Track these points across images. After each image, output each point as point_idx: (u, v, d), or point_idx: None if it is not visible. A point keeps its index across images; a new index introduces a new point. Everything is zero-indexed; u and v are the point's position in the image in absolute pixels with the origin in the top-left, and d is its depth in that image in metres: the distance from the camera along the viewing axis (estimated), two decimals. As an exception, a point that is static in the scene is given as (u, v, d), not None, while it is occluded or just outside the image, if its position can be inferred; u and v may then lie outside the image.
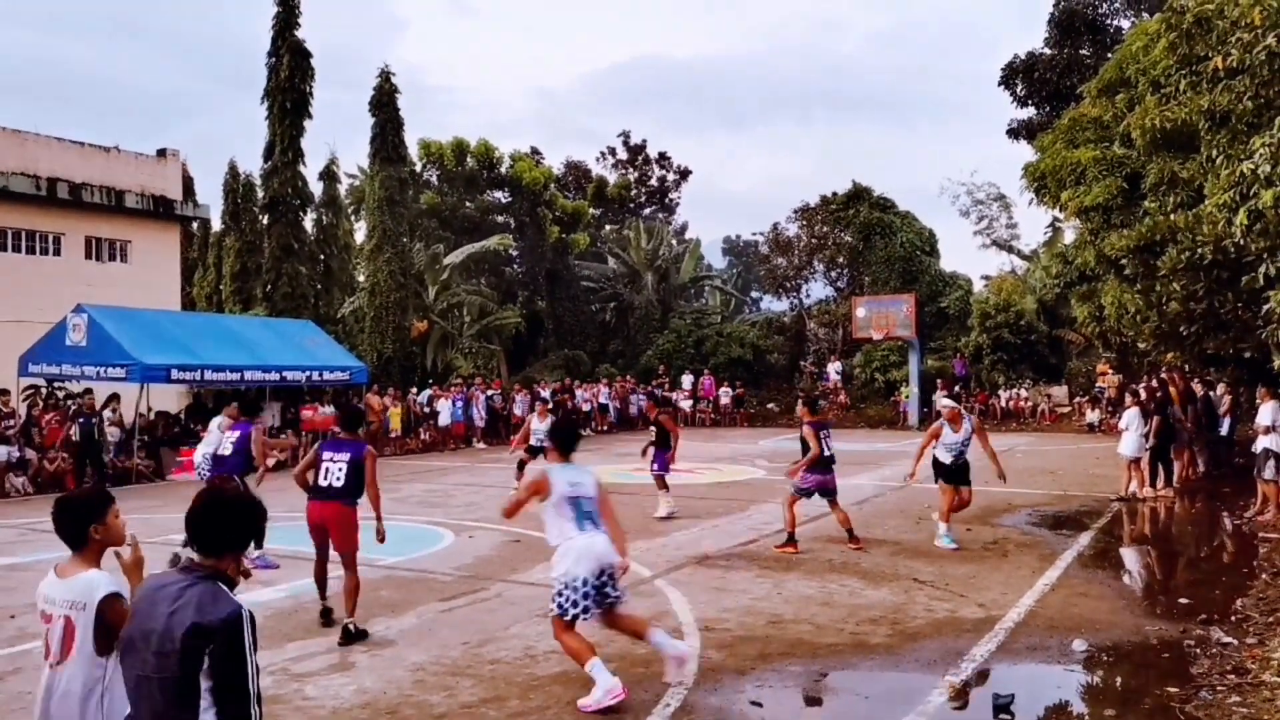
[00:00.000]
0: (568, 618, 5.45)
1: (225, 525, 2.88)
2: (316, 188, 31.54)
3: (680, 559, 9.59)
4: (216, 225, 37.64)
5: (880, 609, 7.53)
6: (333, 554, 7.15)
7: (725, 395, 32.31)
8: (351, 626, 6.82)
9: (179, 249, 27.82)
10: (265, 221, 28.74)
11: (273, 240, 27.51)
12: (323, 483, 7.03)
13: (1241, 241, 9.69)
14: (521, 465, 14.27)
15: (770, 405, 33.45)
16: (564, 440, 5.93)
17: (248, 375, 19.27)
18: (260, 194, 29.53)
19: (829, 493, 10.13)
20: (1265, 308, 9.89)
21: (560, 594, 5.49)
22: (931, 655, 6.36)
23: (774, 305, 44.41)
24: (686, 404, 32.13)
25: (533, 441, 14.83)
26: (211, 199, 40.30)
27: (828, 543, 10.39)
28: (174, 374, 17.96)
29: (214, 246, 37.88)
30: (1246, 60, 9.33)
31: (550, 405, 16.31)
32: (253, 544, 3.10)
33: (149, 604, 2.80)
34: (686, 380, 32.94)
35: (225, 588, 2.78)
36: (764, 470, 18.14)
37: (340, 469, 7.00)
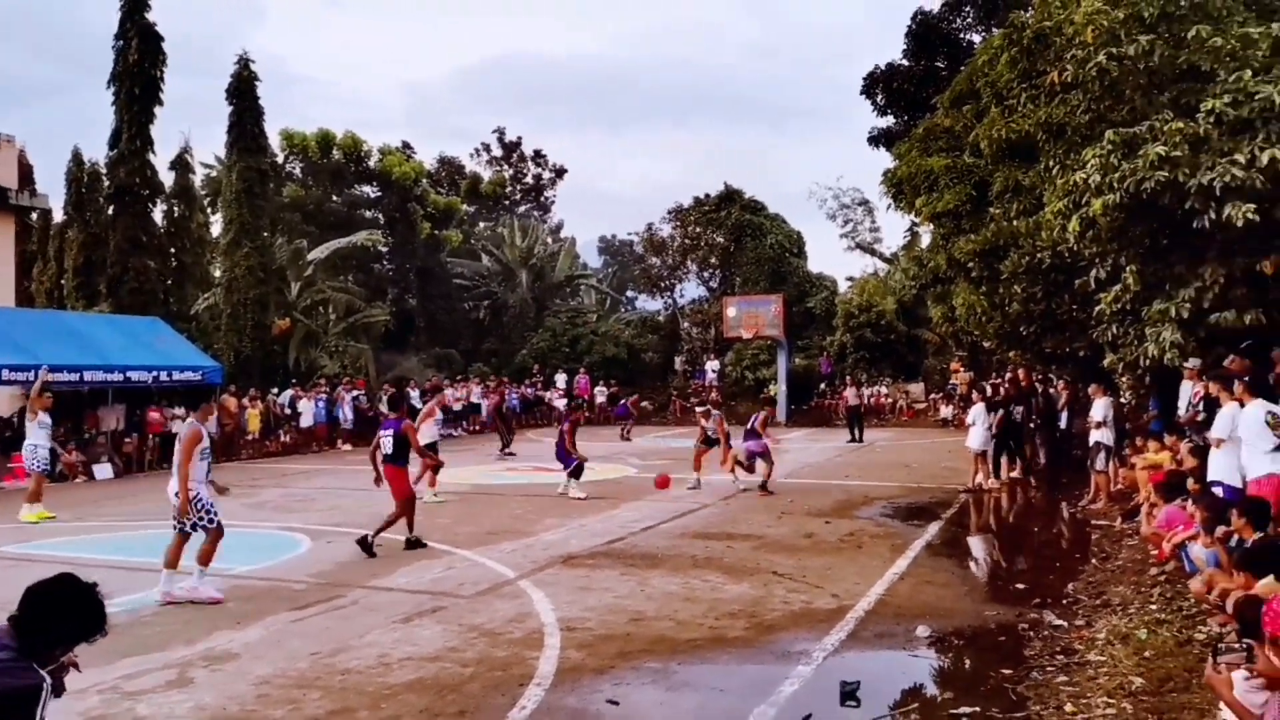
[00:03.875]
0: None
1: (55, 620, 2.69)
2: (168, 178, 29.91)
3: (545, 559, 9.52)
4: (58, 216, 35.18)
5: (740, 603, 7.66)
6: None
7: (600, 394, 32.41)
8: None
9: (14, 241, 25.83)
10: (111, 213, 27.03)
11: (119, 232, 25.90)
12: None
13: (1075, 247, 10.36)
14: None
15: (645, 404, 33.70)
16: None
17: (89, 376, 18.08)
18: (106, 183, 27.79)
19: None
20: (1096, 309, 10.61)
21: None
22: (786, 646, 6.52)
23: (648, 304, 44.78)
24: (561, 403, 32.05)
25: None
26: (53, 188, 37.65)
27: (693, 539, 10.52)
28: (6, 374, 16.70)
29: (55, 238, 35.34)
30: (1080, 76, 9.97)
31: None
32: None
33: None
34: (561, 379, 32.86)
35: (35, 664, 2.60)
36: (635, 469, 18.25)
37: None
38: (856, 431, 23.73)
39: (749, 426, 14.65)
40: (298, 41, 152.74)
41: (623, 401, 28.63)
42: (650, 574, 8.77)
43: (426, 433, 14.71)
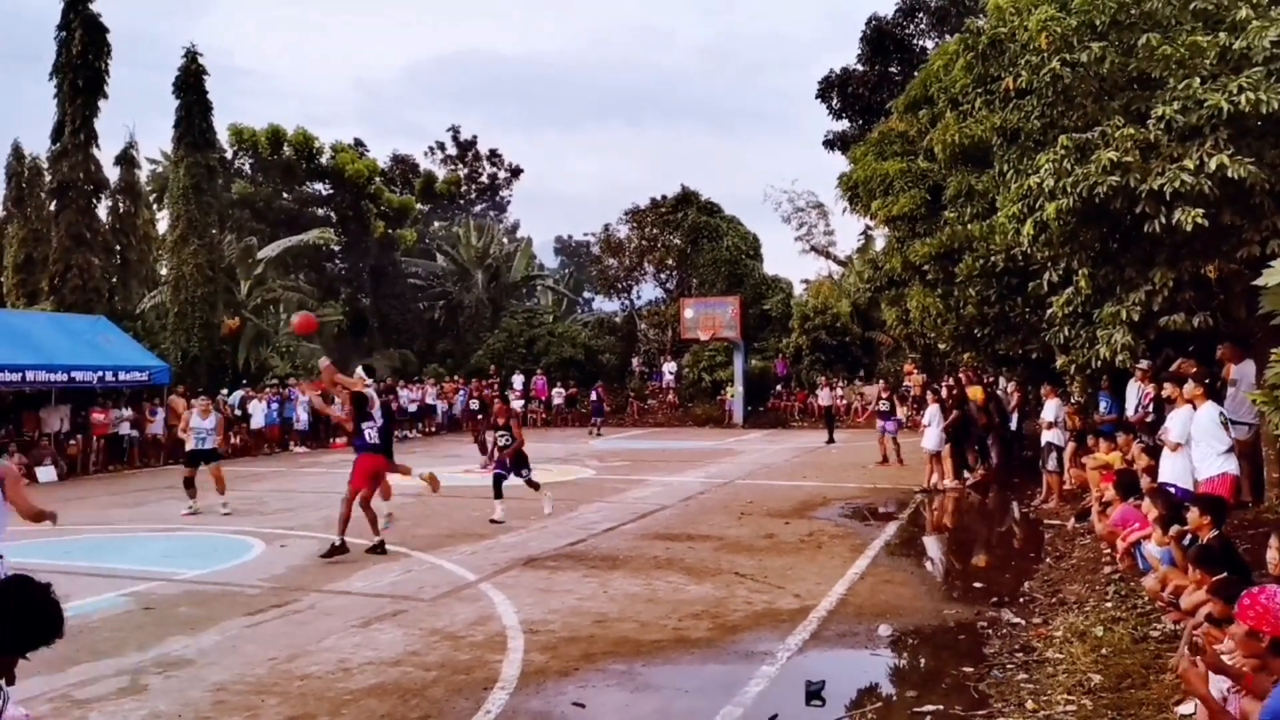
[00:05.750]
0: None
1: (9, 624, 2.58)
2: (112, 173, 29.19)
3: (505, 561, 9.43)
4: (-2, 211, 34.16)
5: (702, 604, 7.66)
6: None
7: (558, 395, 32.31)
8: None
9: (-51, 236, 25.06)
10: (53, 208, 26.29)
11: (61, 228, 25.19)
12: None
13: (1029, 250, 10.52)
14: None
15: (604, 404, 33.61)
16: None
17: (30, 376, 17.57)
18: (48, 178, 27.02)
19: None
20: (1049, 312, 10.78)
21: None
22: (749, 647, 6.52)
23: (605, 306, 44.63)
24: (518, 404, 31.89)
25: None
26: (-10, 182, 36.26)
27: (654, 540, 10.50)
28: (-60, 374, 16.17)
29: (-6, 234, 34.33)
30: (1034, 82, 10.13)
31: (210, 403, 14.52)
32: None
33: None
34: (518, 380, 32.67)
35: None
36: (594, 470, 18.18)
37: None
38: (830, 432, 24.28)
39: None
40: (245, 33, 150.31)
41: (596, 397, 28.51)
42: (612, 575, 8.73)
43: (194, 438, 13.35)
